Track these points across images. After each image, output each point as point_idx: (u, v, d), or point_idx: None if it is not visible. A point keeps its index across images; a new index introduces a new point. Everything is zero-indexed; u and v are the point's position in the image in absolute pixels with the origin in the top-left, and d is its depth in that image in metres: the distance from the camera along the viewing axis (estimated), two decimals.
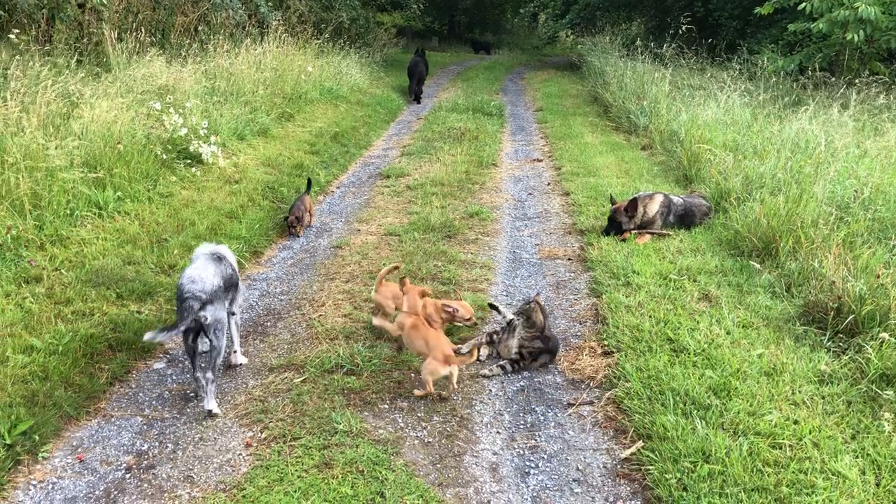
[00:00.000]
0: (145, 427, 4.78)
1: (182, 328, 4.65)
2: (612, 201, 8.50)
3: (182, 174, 9.17)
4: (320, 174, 10.91)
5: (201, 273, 4.83)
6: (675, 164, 11.55)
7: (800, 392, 4.95)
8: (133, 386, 5.28)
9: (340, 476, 4.17)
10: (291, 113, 13.82)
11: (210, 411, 4.83)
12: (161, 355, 5.73)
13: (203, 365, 4.91)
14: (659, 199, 8.40)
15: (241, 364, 5.54)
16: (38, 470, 4.31)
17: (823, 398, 4.90)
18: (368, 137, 14.37)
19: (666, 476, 4.12)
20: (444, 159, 12.13)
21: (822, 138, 9.08)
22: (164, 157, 9.09)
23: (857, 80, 12.68)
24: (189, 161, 9.50)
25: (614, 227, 8.32)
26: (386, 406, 4.99)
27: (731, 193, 8.73)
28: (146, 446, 4.56)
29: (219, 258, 5.12)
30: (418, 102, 19.49)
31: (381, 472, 4.23)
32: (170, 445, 4.56)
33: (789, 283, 6.69)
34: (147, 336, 4.54)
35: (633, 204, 8.25)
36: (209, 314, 4.77)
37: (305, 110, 14.59)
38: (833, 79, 14.67)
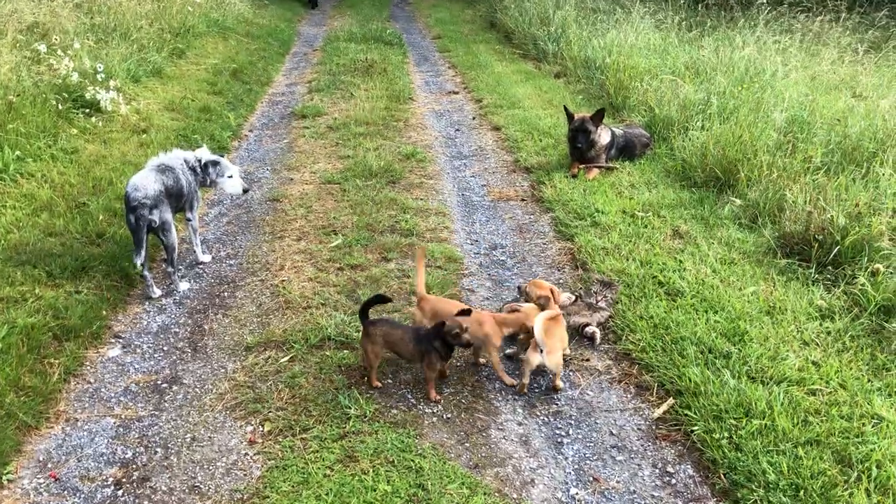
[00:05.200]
0: (121, 429, 4.16)
1: (144, 236, 5.30)
2: (570, 114, 8.03)
3: (82, 125, 8.13)
4: (230, 117, 9.99)
5: (143, 181, 5.33)
6: (595, 92, 11.35)
7: (805, 330, 4.89)
8: (91, 380, 4.60)
9: (371, 471, 3.75)
10: (182, 49, 12.60)
11: (182, 292, 5.66)
12: (112, 340, 5.03)
13: (165, 260, 5.72)
14: (608, 131, 8.15)
15: (205, 262, 6.15)
16: (6, 497, 3.65)
17: (829, 334, 4.87)
18: (268, 73, 13.37)
19: (713, 436, 3.94)
20: (358, 95, 11.43)
21: (766, 63, 9.05)
22: (60, 107, 8.00)
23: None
24: (87, 110, 8.43)
25: (583, 137, 7.85)
26: (390, 381, 4.57)
27: (674, 122, 8.61)
28: (130, 453, 3.97)
29: (163, 169, 5.52)
30: (315, 7, 22.87)
31: (412, 460, 3.84)
32: (159, 450, 3.98)
33: (754, 214, 6.64)
34: (137, 262, 5.36)
35: (601, 114, 7.93)
36: (157, 217, 5.35)
37: (195, 45, 13.36)
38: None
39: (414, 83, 13.00)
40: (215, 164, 5.87)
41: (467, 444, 4.06)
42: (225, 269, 6.08)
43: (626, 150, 8.35)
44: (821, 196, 6.05)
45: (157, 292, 5.60)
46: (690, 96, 9.02)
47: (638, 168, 8.10)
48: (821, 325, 4.97)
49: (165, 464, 3.88)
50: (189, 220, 5.99)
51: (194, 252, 6.14)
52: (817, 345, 4.75)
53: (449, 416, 4.28)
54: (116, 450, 3.99)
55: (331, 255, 6.17)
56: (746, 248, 6.13)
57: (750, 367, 4.46)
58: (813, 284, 5.47)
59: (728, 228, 6.46)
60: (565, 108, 8.13)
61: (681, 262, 5.85)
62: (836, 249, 5.56)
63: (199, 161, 5.80)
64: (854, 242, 5.56)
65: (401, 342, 4.40)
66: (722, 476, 3.75)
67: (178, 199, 5.67)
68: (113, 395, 4.47)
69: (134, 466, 3.87)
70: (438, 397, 4.40)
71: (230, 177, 5.96)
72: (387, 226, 6.72)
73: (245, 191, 6.11)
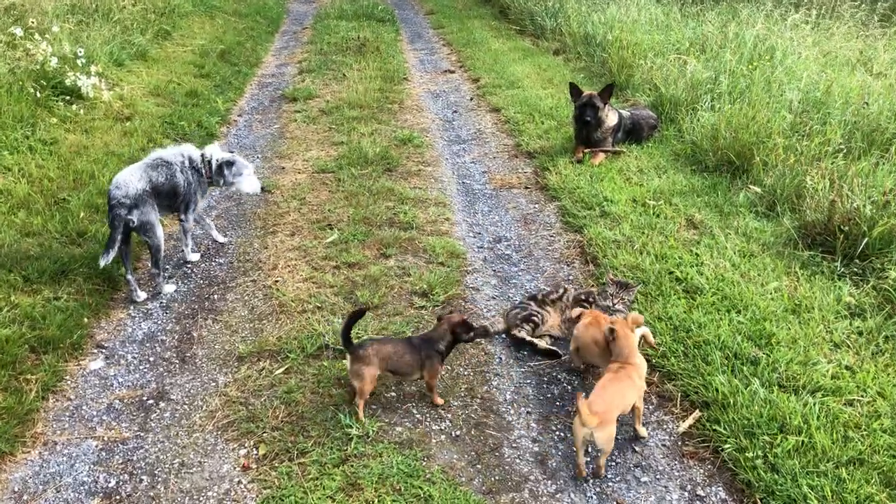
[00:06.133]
0: (104, 454, 3.83)
1: (118, 237, 4.88)
2: (577, 90, 7.70)
3: (62, 114, 7.72)
4: (218, 101, 9.58)
5: (126, 178, 4.99)
6: (597, 70, 10.96)
7: (835, 330, 4.58)
8: (72, 397, 4.26)
9: (377, 500, 3.43)
10: (168, 30, 12.13)
11: (167, 294, 5.29)
12: (95, 350, 4.68)
13: (149, 262, 5.38)
14: (616, 113, 7.79)
15: (193, 261, 5.76)
16: None
17: (861, 335, 4.56)
18: (257, 53, 12.91)
19: (746, 454, 3.63)
20: (350, 76, 11.02)
21: (775, 40, 8.67)
22: (38, 94, 7.58)
23: None
24: (67, 97, 8.00)
25: (591, 112, 7.48)
26: (393, 394, 4.24)
27: (682, 103, 8.24)
28: (113, 482, 3.64)
29: (156, 165, 5.20)
30: None
31: (420, 487, 3.53)
32: (144, 478, 3.66)
33: (771, 201, 6.31)
34: (102, 262, 4.85)
35: (610, 90, 7.63)
36: (136, 217, 4.97)
37: (181, 26, 12.89)
38: None
39: (408, 62, 12.58)
40: (230, 164, 5.50)
41: (479, 466, 3.75)
42: (214, 268, 5.73)
43: (633, 132, 7.99)
44: (844, 182, 5.71)
45: (143, 296, 5.25)
46: (698, 75, 8.66)
47: (645, 152, 7.75)
48: (851, 324, 4.66)
49: (152, 494, 3.56)
50: (182, 220, 5.60)
51: (182, 250, 5.78)
52: (849, 347, 4.44)
53: (458, 433, 3.97)
54: (99, 477, 3.67)
55: (326, 251, 5.82)
56: (765, 238, 5.80)
57: (780, 374, 4.15)
58: (839, 279, 5.16)
59: (744, 217, 6.13)
60: (571, 85, 7.76)
61: (697, 255, 5.53)
62: (864, 241, 5.22)
63: (209, 162, 5.42)
64: (882, 233, 5.24)
65: (395, 356, 4.01)
66: (759, 502, 3.44)
67: (171, 198, 5.31)
68: (95, 413, 4.14)
69: (118, 497, 3.55)
70: (442, 401, 4.15)
71: (248, 175, 5.62)
72: (384, 218, 6.37)
73: (263, 189, 5.80)
